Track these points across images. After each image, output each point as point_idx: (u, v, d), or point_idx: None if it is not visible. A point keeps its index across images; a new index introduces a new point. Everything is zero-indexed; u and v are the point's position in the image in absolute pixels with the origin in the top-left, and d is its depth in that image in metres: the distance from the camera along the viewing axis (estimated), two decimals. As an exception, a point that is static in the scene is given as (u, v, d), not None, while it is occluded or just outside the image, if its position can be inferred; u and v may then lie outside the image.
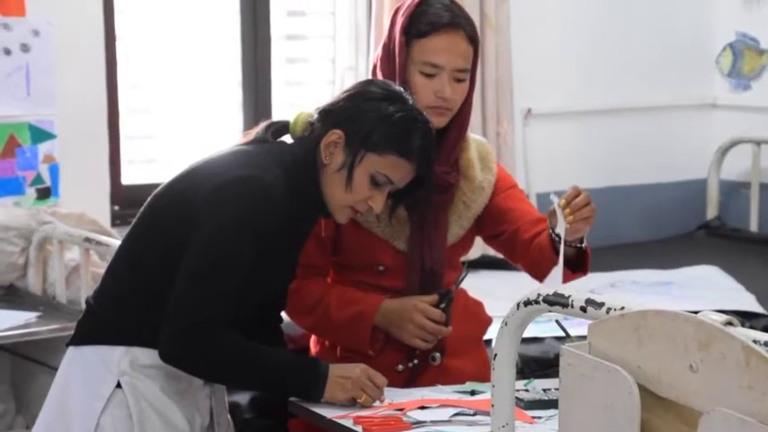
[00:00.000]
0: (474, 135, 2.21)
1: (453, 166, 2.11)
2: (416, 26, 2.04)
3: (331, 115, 1.90)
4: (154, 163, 3.40)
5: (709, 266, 3.59)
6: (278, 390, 1.94)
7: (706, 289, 3.31)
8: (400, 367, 2.07)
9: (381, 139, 1.86)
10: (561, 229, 1.94)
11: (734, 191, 4.21)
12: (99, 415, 1.82)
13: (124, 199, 3.25)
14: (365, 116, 1.88)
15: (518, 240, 2.11)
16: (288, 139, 1.96)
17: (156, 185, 1.95)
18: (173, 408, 1.85)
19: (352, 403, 1.87)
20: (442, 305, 2.04)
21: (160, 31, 3.38)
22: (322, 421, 1.85)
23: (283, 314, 2.05)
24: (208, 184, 1.83)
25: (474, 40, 2.07)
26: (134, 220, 1.93)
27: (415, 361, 2.09)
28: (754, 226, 4.09)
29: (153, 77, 3.38)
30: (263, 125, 1.96)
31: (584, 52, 3.99)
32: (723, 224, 4.17)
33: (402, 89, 1.94)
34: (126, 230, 1.96)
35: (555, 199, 1.95)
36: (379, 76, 2.07)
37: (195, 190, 1.84)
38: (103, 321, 1.88)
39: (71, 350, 1.90)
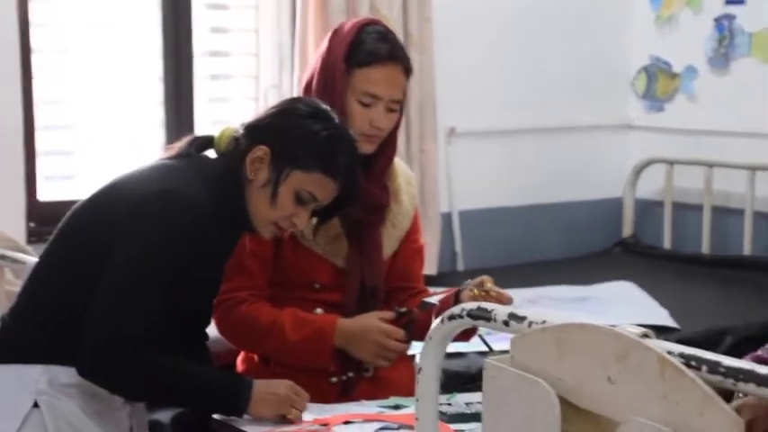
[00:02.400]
0: (398, 161, 2.27)
1: (384, 188, 2.17)
2: (357, 55, 2.07)
3: (257, 131, 1.90)
4: (72, 179, 3.35)
5: (624, 282, 3.67)
6: (200, 406, 1.92)
7: (622, 304, 3.38)
8: (334, 379, 2.10)
9: (307, 157, 1.86)
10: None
11: (648, 209, 4.32)
12: None
13: (40, 216, 3.19)
14: (292, 133, 1.88)
15: (393, 295, 2.22)
16: (212, 154, 1.96)
17: (74, 202, 1.92)
18: (92, 427, 1.82)
19: (281, 419, 1.86)
20: (404, 324, 2.09)
21: (80, 46, 3.33)
22: (245, 437, 1.85)
23: (212, 330, 2.05)
24: (128, 198, 1.81)
25: (408, 72, 2.13)
26: (52, 236, 1.90)
27: (350, 374, 2.12)
28: (667, 243, 4.19)
29: (73, 93, 3.33)
30: (186, 140, 1.95)
31: (506, 73, 4.06)
32: (638, 241, 4.26)
33: (328, 107, 1.95)
34: (42, 247, 1.93)
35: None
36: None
37: (115, 204, 1.82)
38: (20, 340, 1.84)
39: None
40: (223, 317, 2.09)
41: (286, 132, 1.88)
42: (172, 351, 1.82)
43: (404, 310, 2.11)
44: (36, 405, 1.80)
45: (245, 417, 1.86)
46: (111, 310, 1.76)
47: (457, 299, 2.04)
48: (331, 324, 2.09)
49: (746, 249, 3.92)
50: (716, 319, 3.21)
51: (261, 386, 1.87)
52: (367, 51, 2.07)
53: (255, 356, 2.18)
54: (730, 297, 3.49)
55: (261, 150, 1.87)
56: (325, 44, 2.13)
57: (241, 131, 1.91)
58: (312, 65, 2.15)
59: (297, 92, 3.43)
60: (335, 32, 2.13)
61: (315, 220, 1.99)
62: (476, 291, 2.03)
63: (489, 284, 2.05)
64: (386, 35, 2.13)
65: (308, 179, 1.87)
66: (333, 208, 1.95)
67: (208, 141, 1.95)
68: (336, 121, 1.93)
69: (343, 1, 3.49)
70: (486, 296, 2.02)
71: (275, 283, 2.14)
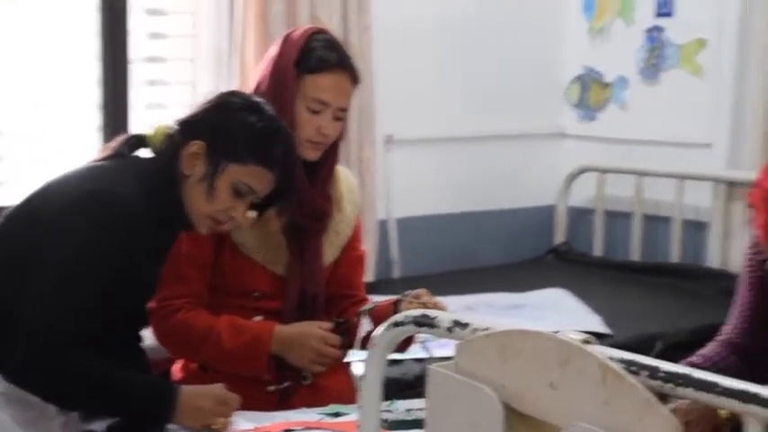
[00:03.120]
0: (341, 168, 2.28)
1: (327, 196, 2.18)
2: (307, 61, 2.09)
3: (191, 126, 1.89)
4: (3, 186, 3.28)
5: (558, 289, 3.71)
6: (127, 413, 1.89)
7: (556, 311, 3.42)
8: (272, 388, 2.09)
9: (243, 149, 1.86)
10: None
11: (580, 217, 4.38)
12: None
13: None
14: (227, 126, 1.88)
15: (334, 303, 2.23)
16: (149, 152, 1.94)
17: (3, 208, 1.89)
18: None
19: (208, 429, 1.85)
20: (341, 332, 2.10)
21: (14, 49, 3.26)
22: (185, 449, 1.83)
23: (150, 338, 2.02)
24: (59, 199, 1.79)
25: (356, 81, 2.14)
26: None
27: (287, 383, 2.12)
28: (598, 251, 4.25)
29: (3, 98, 3.26)
30: (120, 139, 1.94)
31: (444, 82, 4.09)
32: (571, 249, 4.31)
33: (262, 100, 1.94)
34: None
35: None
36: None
37: (47, 207, 1.80)
38: None
39: None
40: (160, 324, 2.07)
41: (221, 126, 1.88)
42: (106, 354, 1.79)
43: (342, 320, 2.12)
44: None
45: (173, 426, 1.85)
46: (41, 314, 1.73)
47: (396, 310, 2.05)
48: (268, 331, 2.08)
49: (675, 257, 4.00)
50: (646, 325, 3.27)
51: (186, 396, 1.84)
52: (317, 58, 2.09)
53: (194, 364, 2.16)
54: (660, 303, 3.56)
55: (196, 145, 1.86)
56: (275, 49, 2.14)
57: (175, 128, 1.90)
58: (261, 70, 2.15)
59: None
60: (286, 38, 2.14)
61: (253, 214, 1.98)
62: (414, 303, 2.05)
63: (426, 297, 2.07)
64: (334, 44, 2.15)
65: (244, 171, 1.86)
66: (271, 200, 1.95)
67: (142, 140, 1.93)
68: (270, 113, 1.92)
69: (283, 8, 3.48)
70: (424, 309, 2.03)
71: (214, 290, 2.13)
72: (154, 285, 1.96)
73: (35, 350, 1.72)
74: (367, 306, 2.12)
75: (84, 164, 1.92)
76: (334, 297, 2.23)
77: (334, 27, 3.49)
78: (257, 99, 1.95)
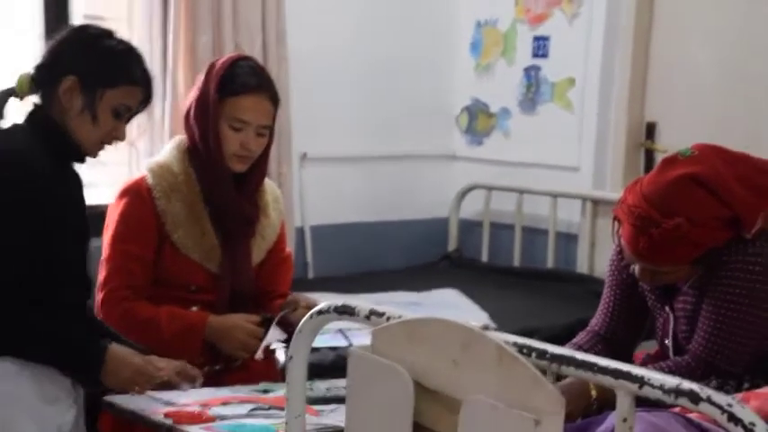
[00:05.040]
0: (267, 180, 2.31)
1: (255, 204, 2.21)
2: (229, 86, 2.12)
3: (57, 65, 1.82)
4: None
5: (450, 290, 3.78)
6: (60, 366, 1.80)
7: (449, 308, 3.47)
8: (206, 368, 2.10)
9: (114, 73, 1.83)
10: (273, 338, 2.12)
11: (470, 228, 4.46)
12: None
13: None
14: (93, 56, 1.83)
15: (262, 297, 2.27)
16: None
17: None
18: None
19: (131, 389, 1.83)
20: (265, 324, 2.13)
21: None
22: (133, 416, 1.82)
23: None
24: None
25: (276, 101, 2.16)
26: None
27: (217, 367, 2.15)
28: (485, 257, 4.35)
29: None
30: None
31: (352, 109, 4.13)
32: (461, 255, 4.39)
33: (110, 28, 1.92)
34: None
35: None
36: (192, 125, 2.14)
37: None
38: None
39: None
40: (109, 311, 2.10)
41: (89, 57, 1.83)
42: (53, 313, 1.73)
43: (269, 316, 2.15)
44: None
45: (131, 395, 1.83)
46: None
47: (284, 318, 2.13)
48: (202, 320, 2.12)
49: (550, 263, 4.12)
50: (526, 321, 3.34)
51: (111, 361, 1.78)
52: (239, 83, 2.13)
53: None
54: (537, 303, 3.64)
55: (69, 81, 1.80)
56: (201, 77, 2.18)
57: (35, 72, 1.83)
58: (191, 96, 2.18)
59: (168, 118, 3.41)
60: (211, 67, 2.19)
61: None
62: (299, 309, 2.12)
63: (304, 302, 2.15)
64: (256, 68, 2.20)
65: (119, 94, 1.83)
66: (138, 111, 1.92)
67: (9, 92, 1.84)
68: (120, 35, 1.89)
69: (210, 39, 3.48)
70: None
71: (158, 283, 2.16)
72: (85, 233, 1.86)
73: None
74: (288, 307, 2.15)
75: None
76: (261, 292, 2.26)
77: (255, 56, 3.50)
78: (107, 27, 1.91)
